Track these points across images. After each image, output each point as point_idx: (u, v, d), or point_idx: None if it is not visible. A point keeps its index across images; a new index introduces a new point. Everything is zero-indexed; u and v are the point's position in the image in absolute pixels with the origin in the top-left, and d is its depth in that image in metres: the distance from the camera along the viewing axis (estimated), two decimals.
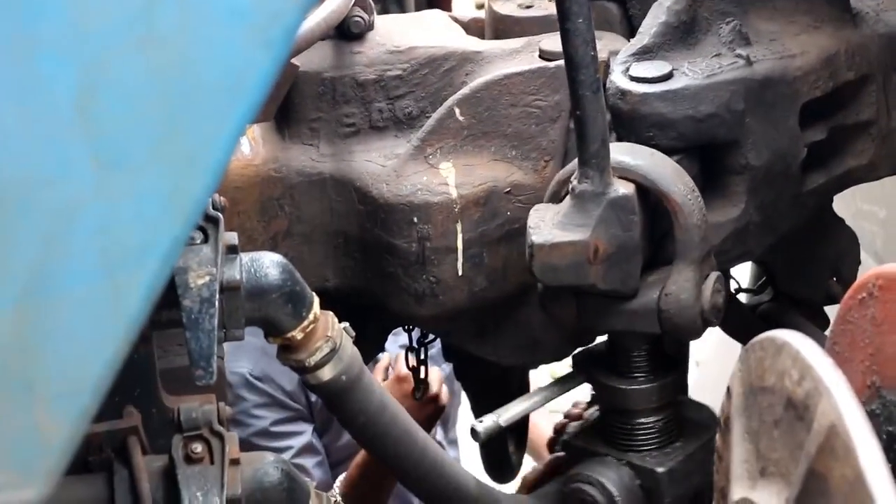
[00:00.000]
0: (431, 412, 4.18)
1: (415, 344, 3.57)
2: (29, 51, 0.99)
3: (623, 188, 2.50)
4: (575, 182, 2.51)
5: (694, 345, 3.12)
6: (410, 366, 3.68)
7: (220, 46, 0.98)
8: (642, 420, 2.81)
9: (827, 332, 1.89)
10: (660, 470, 2.78)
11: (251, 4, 0.97)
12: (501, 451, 3.29)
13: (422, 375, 3.74)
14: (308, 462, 4.28)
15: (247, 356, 4.31)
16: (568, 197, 2.53)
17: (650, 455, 2.80)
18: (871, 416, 1.63)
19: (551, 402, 3.08)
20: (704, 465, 2.82)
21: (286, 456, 4.29)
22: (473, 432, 2.91)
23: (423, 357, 3.64)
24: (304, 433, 4.32)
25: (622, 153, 2.55)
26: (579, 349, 2.97)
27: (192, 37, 0.97)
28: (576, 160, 2.51)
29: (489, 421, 2.90)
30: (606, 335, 2.87)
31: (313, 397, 4.25)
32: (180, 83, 0.99)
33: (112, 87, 1.01)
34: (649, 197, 2.54)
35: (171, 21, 0.98)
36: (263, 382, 4.28)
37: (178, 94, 0.99)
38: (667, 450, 2.82)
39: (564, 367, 3.18)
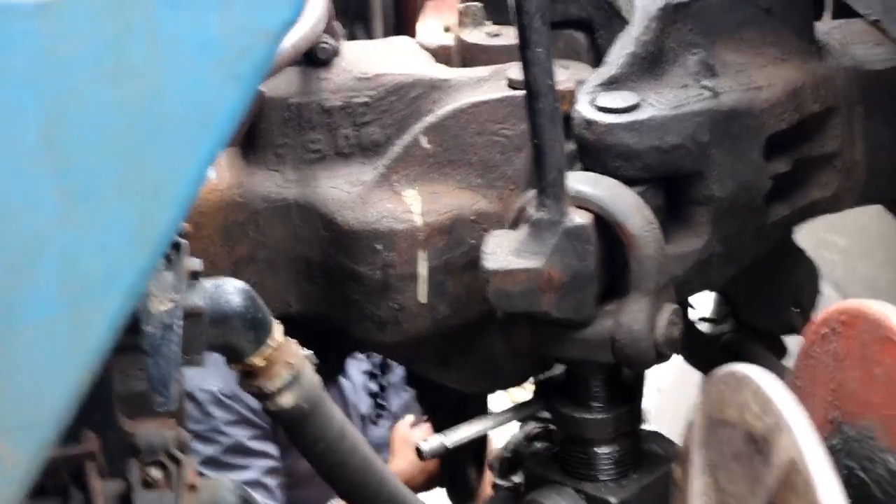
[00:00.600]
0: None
1: (376, 370, 3.59)
2: None
3: (579, 218, 2.51)
4: (532, 210, 2.52)
5: (655, 372, 3.12)
6: (371, 391, 3.69)
7: (189, 80, 0.98)
8: (598, 450, 2.81)
9: (787, 364, 1.89)
10: (613, 500, 2.78)
11: (221, 39, 0.96)
12: (461, 473, 3.29)
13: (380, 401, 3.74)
14: (272, 483, 4.26)
15: (216, 373, 4.30)
16: (525, 225, 2.53)
17: (605, 485, 2.80)
18: (832, 451, 1.63)
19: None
20: (660, 497, 2.84)
21: (255, 474, 4.29)
22: (418, 451, 2.93)
23: (384, 384, 3.65)
24: (273, 454, 4.30)
25: (582, 182, 2.56)
26: (542, 376, 2.97)
27: (161, 70, 0.97)
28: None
29: (435, 441, 2.92)
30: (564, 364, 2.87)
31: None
32: (149, 115, 0.98)
33: (79, 118, 1.00)
34: (608, 227, 2.55)
35: (141, 53, 0.97)
36: (233, 400, 4.27)
37: (146, 127, 0.98)
38: (622, 481, 2.82)
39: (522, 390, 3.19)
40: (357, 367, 4.40)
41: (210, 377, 4.37)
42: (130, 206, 1.00)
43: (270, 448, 4.27)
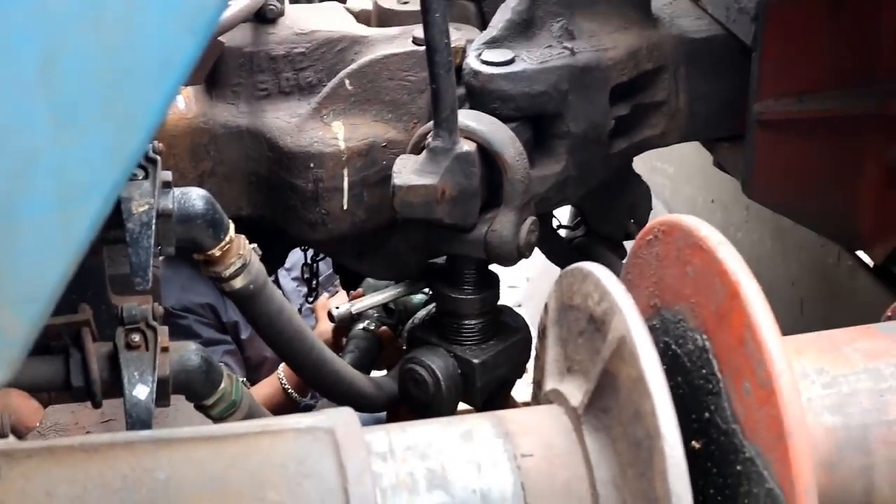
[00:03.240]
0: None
1: (309, 261, 3.58)
2: (1, 26, 0.97)
3: (467, 146, 2.52)
4: (430, 139, 2.52)
5: (525, 266, 3.13)
6: (305, 276, 3.67)
7: (155, 31, 0.97)
8: (466, 322, 2.83)
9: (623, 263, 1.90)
10: (475, 360, 2.81)
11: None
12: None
13: (313, 285, 3.73)
14: (230, 361, 4.17)
15: (168, 294, 4.17)
16: (424, 150, 2.53)
17: (470, 349, 2.83)
18: (653, 329, 1.64)
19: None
20: (512, 360, 2.87)
21: (216, 357, 4.23)
22: (329, 315, 2.96)
23: (315, 271, 3.64)
24: (229, 342, 4.22)
25: (469, 119, 2.56)
26: (428, 262, 2.98)
27: (133, 22, 0.96)
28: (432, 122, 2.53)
29: (343, 309, 2.94)
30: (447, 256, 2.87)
31: (225, 318, 4.17)
32: (123, 58, 0.97)
33: (69, 58, 0.99)
34: (488, 155, 2.54)
35: (117, 8, 0.96)
36: (186, 312, 4.14)
37: (121, 67, 0.97)
38: (483, 346, 2.84)
39: None
40: (287, 277, 4.38)
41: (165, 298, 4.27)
42: (109, 129, 0.99)
43: (226, 338, 4.20)
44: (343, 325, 3.29)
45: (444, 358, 2.82)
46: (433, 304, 3.00)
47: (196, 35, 0.94)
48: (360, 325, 3.28)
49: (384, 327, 3.31)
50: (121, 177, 0.97)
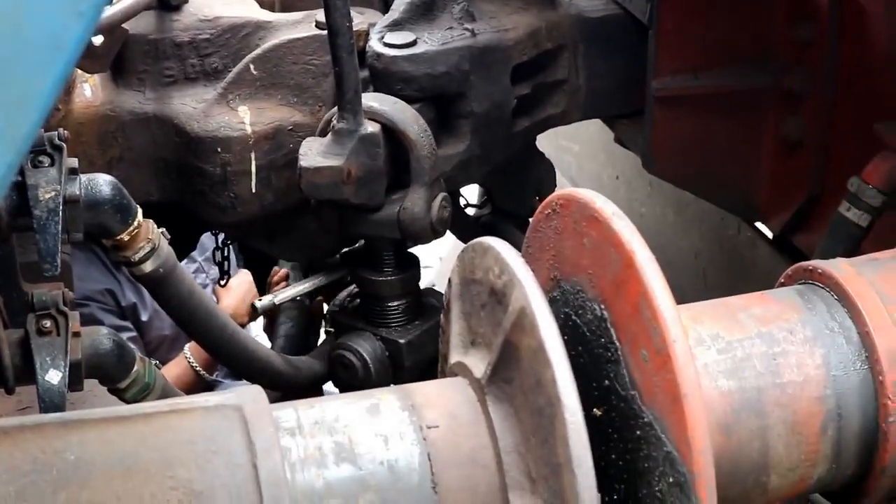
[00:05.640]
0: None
1: (220, 244, 3.56)
2: None
3: (371, 127, 2.53)
4: (335, 121, 2.52)
5: (436, 245, 3.14)
6: (216, 260, 3.65)
7: (41, 15, 0.96)
8: (389, 304, 2.83)
9: None
10: (401, 341, 2.82)
11: None
12: None
13: (225, 268, 3.71)
14: (134, 347, 4.11)
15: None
16: (330, 132, 2.53)
17: (395, 330, 2.84)
18: (553, 301, 1.66)
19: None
20: (438, 338, 2.86)
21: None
22: (253, 308, 2.96)
23: (226, 254, 3.62)
24: (130, 328, 4.17)
25: (372, 100, 2.57)
26: (346, 249, 2.98)
27: (19, 7, 0.95)
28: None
29: (266, 300, 2.94)
30: (363, 239, 2.88)
31: (124, 302, 4.13)
32: (10, 43, 0.96)
33: None
34: (393, 134, 2.55)
35: None
36: (87, 300, 4.09)
37: (10, 52, 0.96)
38: (408, 326, 2.85)
39: None
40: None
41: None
42: None
43: (127, 324, 4.15)
44: (266, 315, 3.28)
45: (370, 341, 2.83)
46: (352, 287, 3.01)
47: (83, 17, 0.93)
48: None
49: (316, 300, 3.33)
50: (14, 160, 0.97)
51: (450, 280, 1.74)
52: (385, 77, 2.64)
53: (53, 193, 1.99)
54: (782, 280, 1.91)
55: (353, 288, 3.01)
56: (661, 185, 3.83)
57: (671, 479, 1.47)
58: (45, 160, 2.04)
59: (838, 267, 1.80)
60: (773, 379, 1.68)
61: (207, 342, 2.67)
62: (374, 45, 2.66)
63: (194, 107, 2.70)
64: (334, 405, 1.57)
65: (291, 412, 1.54)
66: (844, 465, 1.74)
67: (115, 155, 2.73)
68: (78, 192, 2.16)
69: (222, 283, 3.83)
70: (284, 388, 2.90)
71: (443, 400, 1.59)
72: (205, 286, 4.20)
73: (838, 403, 1.70)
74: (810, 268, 1.83)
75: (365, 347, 2.81)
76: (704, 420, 1.44)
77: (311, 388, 3.02)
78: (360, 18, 2.69)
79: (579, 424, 1.43)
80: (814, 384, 1.70)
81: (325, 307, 3.94)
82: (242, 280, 4.09)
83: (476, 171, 2.84)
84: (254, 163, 2.69)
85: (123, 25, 2.60)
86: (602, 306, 1.58)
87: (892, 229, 2.56)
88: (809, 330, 1.73)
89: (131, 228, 2.30)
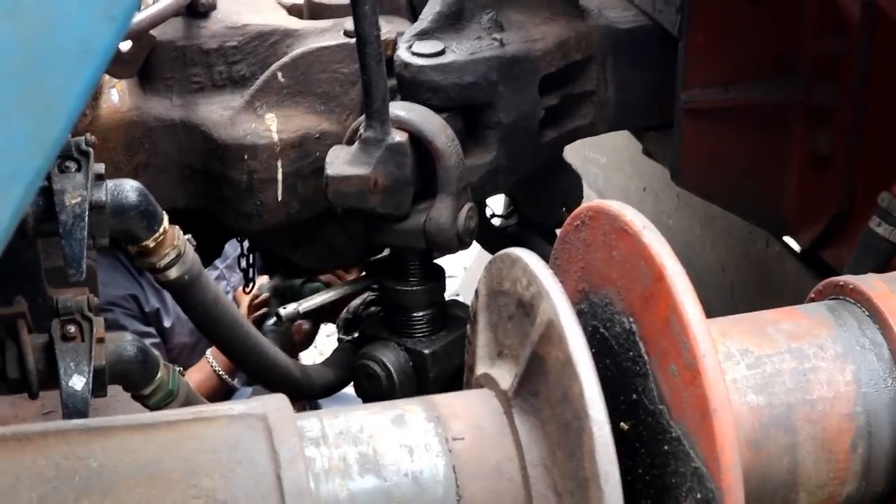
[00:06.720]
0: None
1: (245, 251, 3.57)
2: None
3: (399, 136, 2.52)
4: (362, 130, 2.52)
5: (462, 255, 3.13)
6: (241, 266, 3.66)
7: (72, 19, 0.95)
8: (414, 314, 2.82)
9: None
10: (426, 352, 2.81)
11: None
12: None
13: (250, 275, 3.72)
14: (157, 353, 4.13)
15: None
16: (357, 141, 2.53)
17: (420, 341, 2.82)
18: (581, 313, 1.64)
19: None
20: (462, 349, 2.85)
21: None
22: (278, 315, 2.95)
23: (251, 261, 3.63)
24: (153, 334, 4.18)
25: (401, 109, 2.56)
26: (373, 258, 2.98)
27: (50, 10, 0.94)
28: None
29: (291, 308, 2.93)
30: (389, 249, 2.87)
31: (147, 307, 4.14)
32: (41, 47, 0.95)
33: None
34: (420, 144, 2.54)
35: None
36: (111, 305, 4.10)
37: (40, 56, 0.95)
38: (433, 337, 2.84)
39: None
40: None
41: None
42: (28, 119, 0.97)
43: (151, 330, 4.16)
44: (291, 322, 3.28)
45: (394, 351, 2.82)
46: (366, 295, 3.00)
47: (115, 22, 0.92)
48: (270, 321, 3.30)
49: (298, 323, 3.31)
50: (42, 165, 0.96)
51: (477, 291, 1.73)
52: (413, 86, 2.64)
53: (80, 199, 1.99)
54: (812, 295, 1.89)
55: (367, 296, 3.00)
56: (689, 198, 3.81)
57: (699, 496, 1.45)
58: (72, 165, 2.04)
59: (870, 283, 1.78)
60: (802, 395, 1.66)
61: (231, 350, 2.67)
62: (403, 54, 2.65)
63: (221, 114, 2.69)
64: (359, 415, 1.56)
65: (316, 422, 1.53)
66: (874, 483, 1.72)
67: (142, 161, 2.72)
68: (104, 198, 2.15)
69: (247, 290, 3.83)
70: (301, 396, 2.89)
71: (469, 411, 1.58)
72: (226, 293, 4.21)
73: (868, 421, 1.68)
74: (841, 283, 1.81)
75: (389, 358, 2.80)
76: (734, 436, 1.43)
77: (323, 397, 3.01)
78: (388, 27, 2.69)
79: (607, 438, 1.42)
80: (844, 401, 1.68)
81: (306, 328, 3.97)
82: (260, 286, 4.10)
83: (503, 181, 2.83)
84: (280, 171, 2.69)
85: (151, 32, 2.60)
86: (631, 319, 1.57)
87: None
88: (840, 346, 1.71)
89: (157, 235, 2.30)
